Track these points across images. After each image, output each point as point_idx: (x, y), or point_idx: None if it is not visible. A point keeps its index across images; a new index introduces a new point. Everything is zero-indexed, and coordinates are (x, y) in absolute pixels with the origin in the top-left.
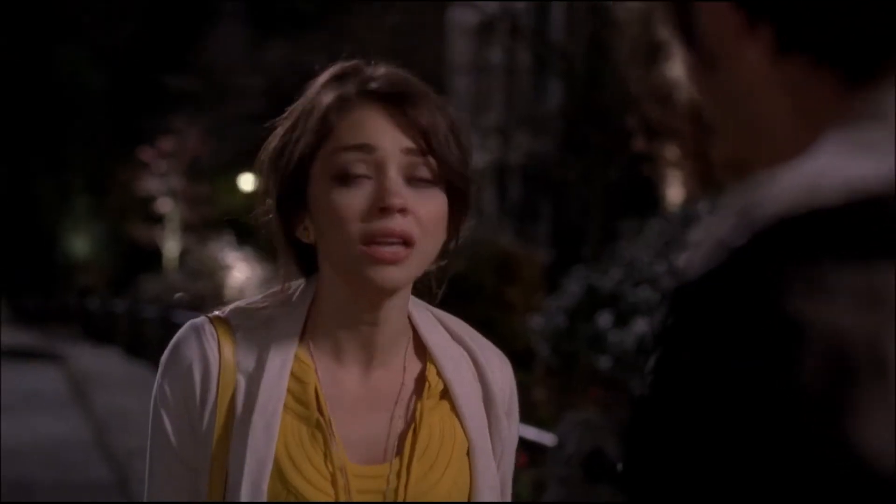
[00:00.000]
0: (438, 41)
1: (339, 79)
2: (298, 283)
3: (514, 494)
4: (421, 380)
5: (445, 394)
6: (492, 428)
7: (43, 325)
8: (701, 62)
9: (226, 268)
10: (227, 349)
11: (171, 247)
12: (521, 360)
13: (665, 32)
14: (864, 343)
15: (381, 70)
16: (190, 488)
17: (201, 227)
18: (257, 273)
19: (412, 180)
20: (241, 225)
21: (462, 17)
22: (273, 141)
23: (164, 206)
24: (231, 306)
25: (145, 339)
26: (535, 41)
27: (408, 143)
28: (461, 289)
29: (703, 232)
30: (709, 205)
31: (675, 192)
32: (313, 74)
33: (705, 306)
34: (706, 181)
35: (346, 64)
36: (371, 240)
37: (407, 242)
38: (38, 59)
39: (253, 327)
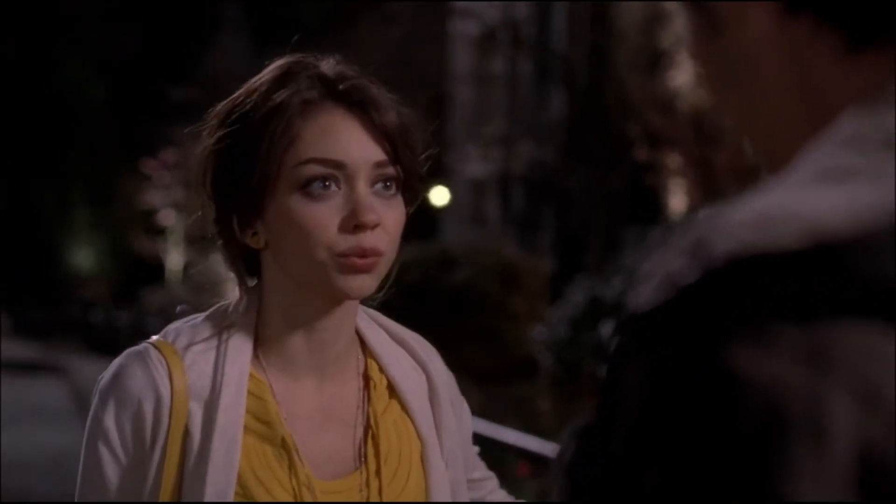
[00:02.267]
0: (440, 52)
1: (292, 77)
2: (235, 298)
3: None
4: (368, 382)
5: (393, 393)
6: (438, 422)
7: (45, 338)
8: (705, 27)
9: (229, 280)
10: (178, 376)
11: (175, 259)
12: (523, 369)
13: (666, 41)
14: (801, 400)
15: (336, 68)
16: None
17: (204, 240)
18: None
19: (377, 189)
20: None
21: (464, 28)
22: (215, 141)
23: (167, 218)
24: (171, 328)
25: None
26: (537, 51)
27: (377, 154)
28: (464, 298)
29: (656, 263)
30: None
31: (677, 200)
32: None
33: (648, 345)
34: (709, 189)
35: (293, 59)
36: (343, 254)
37: (375, 253)
38: (40, 71)
39: (201, 349)
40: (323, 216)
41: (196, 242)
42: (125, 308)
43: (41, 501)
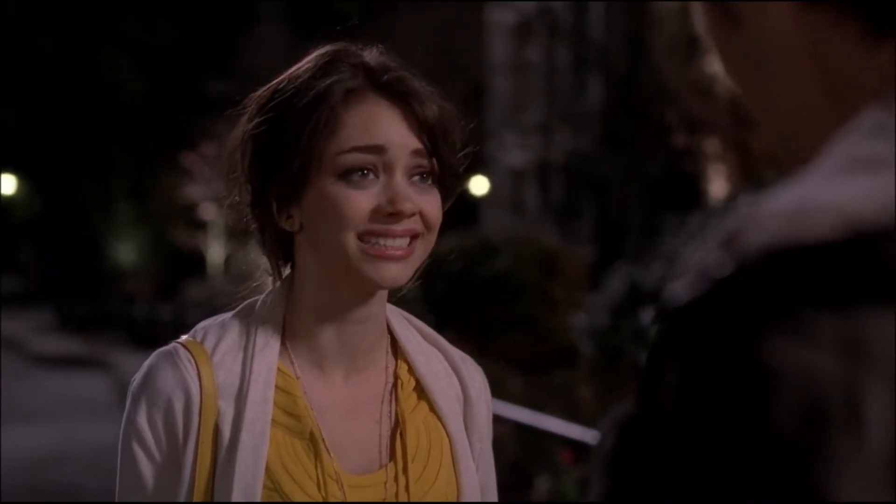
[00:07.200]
0: (477, 41)
1: (334, 65)
2: (263, 294)
3: (559, 492)
4: (396, 381)
5: (422, 394)
6: (469, 425)
7: (88, 332)
8: (723, 19)
9: (266, 271)
10: (207, 375)
11: (216, 252)
12: (564, 357)
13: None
14: (840, 391)
15: (379, 58)
16: None
17: (245, 232)
18: None
19: (414, 181)
20: None
21: (500, 17)
22: (255, 125)
23: (208, 211)
24: (199, 327)
25: None
26: (574, 39)
27: (415, 143)
28: (504, 287)
29: (693, 257)
30: (750, 198)
31: (716, 185)
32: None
33: (684, 339)
34: (748, 174)
35: (336, 48)
36: (373, 238)
37: (412, 238)
38: (80, 65)
39: (229, 347)
40: (360, 202)
41: (237, 235)
42: (167, 302)
43: (85, 496)
